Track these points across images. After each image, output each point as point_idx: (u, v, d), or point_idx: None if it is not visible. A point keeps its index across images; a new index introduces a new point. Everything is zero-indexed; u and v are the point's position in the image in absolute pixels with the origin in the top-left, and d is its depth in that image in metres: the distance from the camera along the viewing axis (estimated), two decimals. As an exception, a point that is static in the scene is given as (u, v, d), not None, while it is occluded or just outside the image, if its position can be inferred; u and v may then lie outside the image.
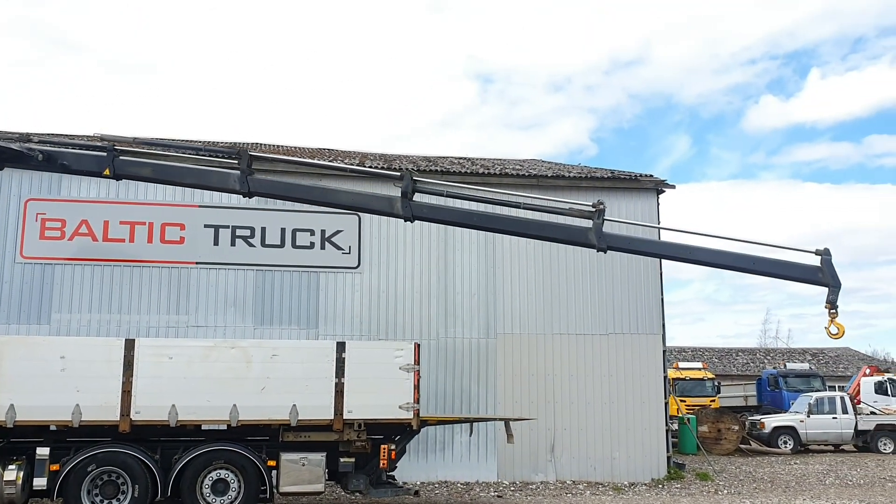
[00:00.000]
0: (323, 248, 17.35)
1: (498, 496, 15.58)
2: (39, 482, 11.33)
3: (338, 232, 17.43)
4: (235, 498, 11.87)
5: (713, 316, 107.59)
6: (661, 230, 16.50)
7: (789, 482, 18.43)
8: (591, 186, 18.42)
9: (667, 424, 18.19)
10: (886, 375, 34.02)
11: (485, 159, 22.80)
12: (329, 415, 12.20)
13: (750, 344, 69.03)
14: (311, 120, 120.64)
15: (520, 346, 17.75)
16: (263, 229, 17.15)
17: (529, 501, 15.03)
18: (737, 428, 26.09)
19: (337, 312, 17.18)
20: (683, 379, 34.03)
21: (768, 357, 53.46)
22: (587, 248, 13.10)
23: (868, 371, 34.89)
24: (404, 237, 17.65)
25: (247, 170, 12.31)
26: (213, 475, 11.87)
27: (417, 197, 12.46)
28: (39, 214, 16.45)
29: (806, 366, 39.65)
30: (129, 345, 11.82)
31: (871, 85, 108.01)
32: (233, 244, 17.02)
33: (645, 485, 17.27)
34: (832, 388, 36.23)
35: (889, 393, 32.03)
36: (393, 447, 12.67)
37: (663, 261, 18.58)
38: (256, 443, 12.38)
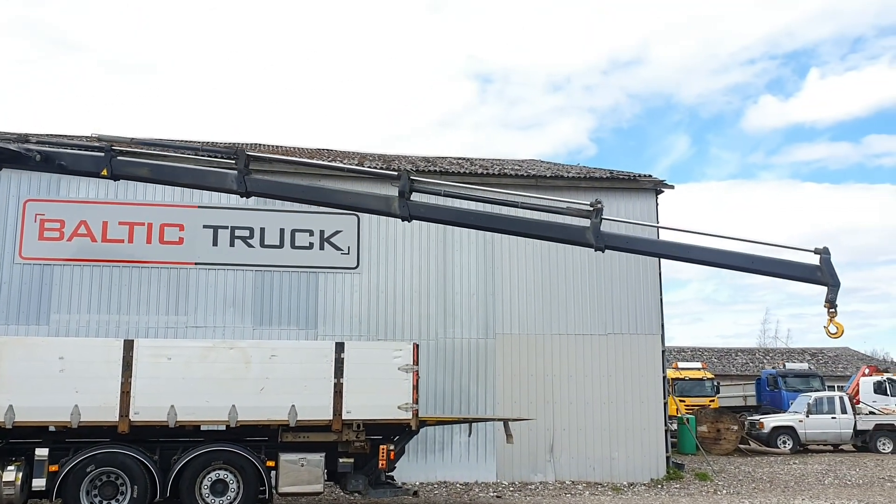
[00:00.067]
0: (322, 248, 17.35)
1: (497, 496, 15.58)
2: (38, 483, 11.33)
3: (337, 232, 17.43)
4: (234, 498, 11.87)
5: (712, 316, 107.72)
6: (659, 230, 16.51)
7: (788, 482, 18.44)
8: (590, 187, 18.43)
9: (666, 424, 18.19)
10: (885, 375, 34.04)
11: (483, 160, 22.81)
12: (328, 415, 12.20)
13: (749, 344, 69.12)
14: (310, 120, 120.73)
15: (519, 346, 17.76)
16: (262, 230, 17.16)
17: (528, 502, 15.03)
18: (736, 428, 26.11)
19: (336, 313, 17.19)
20: (683, 379, 34.04)
21: (767, 357, 53.48)
22: (586, 248, 13.08)
23: (867, 371, 34.91)
24: (403, 237, 17.65)
25: (244, 170, 12.30)
26: (212, 476, 11.87)
27: (415, 196, 12.46)
28: (38, 215, 16.45)
29: (805, 366, 39.67)
30: (128, 345, 11.82)
31: (870, 85, 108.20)
32: (232, 245, 17.02)
33: (644, 485, 17.28)
34: (831, 388, 36.27)
35: (888, 393, 32.05)
36: (392, 447, 12.67)
37: (662, 261, 18.59)
38: (255, 443, 12.39)
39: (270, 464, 12.11)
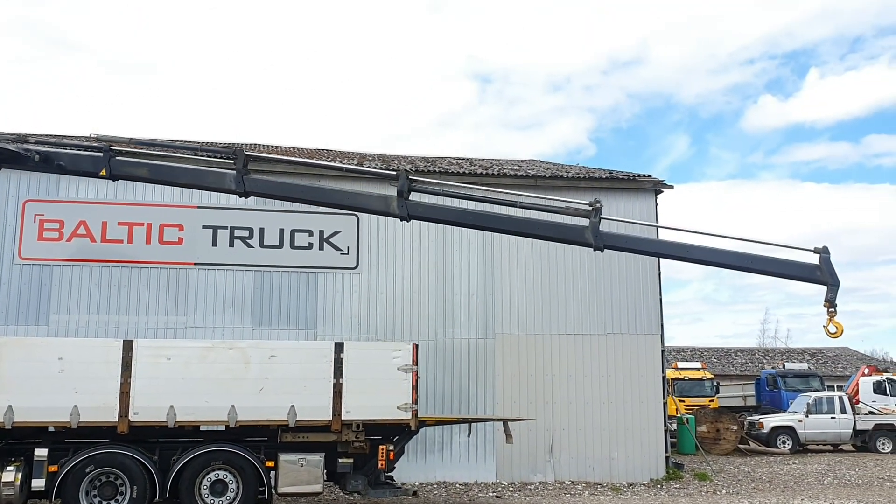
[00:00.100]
0: (321, 248, 17.35)
1: (496, 497, 15.58)
2: (38, 483, 11.33)
3: (336, 233, 17.43)
4: (234, 499, 11.87)
5: (712, 316, 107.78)
6: (659, 229, 16.50)
7: (788, 482, 18.44)
8: (590, 187, 18.43)
9: (665, 424, 18.19)
10: (885, 375, 34.04)
11: (483, 160, 22.82)
12: (327, 415, 12.19)
13: (749, 344, 69.14)
14: (310, 120, 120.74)
15: (518, 346, 17.76)
16: (262, 230, 17.16)
17: (528, 502, 15.03)
18: (735, 428, 26.11)
19: (335, 313, 17.19)
20: (682, 379, 34.05)
21: (767, 357, 53.51)
22: (585, 248, 13.07)
23: (867, 371, 34.91)
24: (403, 238, 17.65)
25: (243, 170, 12.29)
26: (212, 476, 11.87)
27: (414, 196, 12.44)
28: (38, 215, 16.45)
29: (804, 366, 39.68)
30: (128, 346, 11.81)
31: (870, 85, 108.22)
32: (231, 245, 17.02)
33: (643, 485, 17.28)
34: (831, 388, 36.28)
35: (887, 393, 32.06)
36: (391, 448, 12.67)
37: (662, 261, 18.60)
38: (255, 443, 12.39)
39: (270, 464, 12.11)
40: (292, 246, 17.24)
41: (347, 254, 17.43)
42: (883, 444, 26.89)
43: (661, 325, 18.54)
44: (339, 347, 12.48)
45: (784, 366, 38.57)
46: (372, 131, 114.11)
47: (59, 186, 16.53)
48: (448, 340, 17.52)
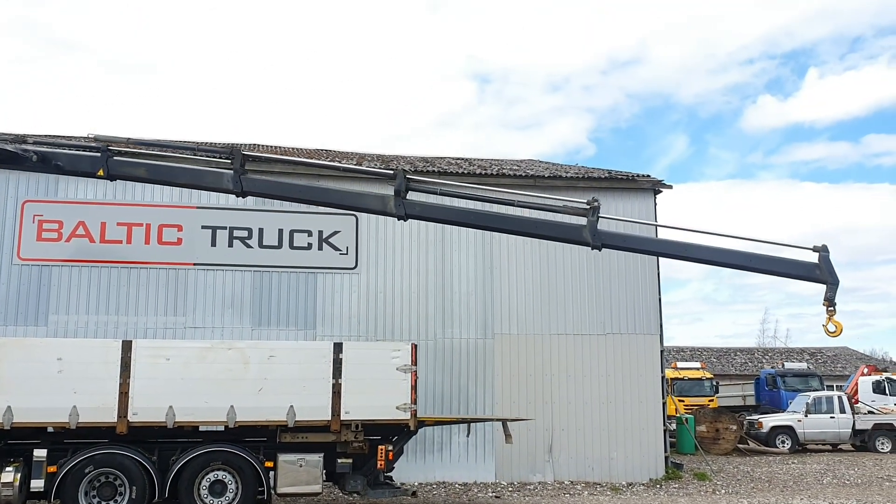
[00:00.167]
0: (320, 248, 17.35)
1: (496, 497, 15.58)
2: (37, 484, 11.33)
3: (335, 233, 17.43)
4: (233, 499, 11.88)
5: (711, 316, 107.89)
6: (657, 228, 16.50)
7: (787, 482, 18.45)
8: (588, 187, 18.42)
9: (664, 424, 18.19)
10: (884, 375, 34.03)
11: (482, 160, 22.82)
12: (326, 416, 12.20)
13: (748, 343, 69.19)
14: (310, 120, 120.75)
15: (517, 346, 17.76)
16: (261, 230, 17.16)
17: (527, 502, 15.03)
18: (735, 428, 26.11)
19: (334, 313, 17.18)
20: (682, 379, 34.05)
21: (766, 357, 53.53)
22: (584, 248, 13.06)
23: (866, 370, 34.90)
24: (402, 238, 17.65)
25: (240, 169, 12.29)
26: (211, 476, 11.87)
27: (411, 195, 12.44)
28: (36, 216, 16.44)
29: (804, 365, 39.69)
30: (127, 346, 11.82)
31: (869, 84, 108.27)
32: (230, 245, 17.02)
33: (643, 485, 17.28)
34: (830, 388, 36.29)
35: (887, 392, 32.05)
36: (390, 448, 12.67)
37: (661, 261, 18.61)
38: (254, 444, 12.39)
39: (269, 464, 12.11)
40: (291, 246, 17.24)
41: (346, 254, 17.43)
42: (882, 443, 26.90)
43: (661, 325, 18.54)
44: (338, 347, 12.49)
45: (783, 365, 38.57)
46: (371, 131, 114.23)
47: (58, 187, 16.53)
48: (447, 340, 17.52)
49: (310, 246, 17.31)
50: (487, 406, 17.38)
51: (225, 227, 17.04)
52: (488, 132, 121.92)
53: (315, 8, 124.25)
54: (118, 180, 12.86)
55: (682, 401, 31.64)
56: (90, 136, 12.50)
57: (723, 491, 16.78)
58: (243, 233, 17.08)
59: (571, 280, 18.21)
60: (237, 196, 12.64)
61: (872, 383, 32.84)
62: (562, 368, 17.78)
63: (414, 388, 12.54)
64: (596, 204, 12.24)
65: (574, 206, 12.41)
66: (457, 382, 17.42)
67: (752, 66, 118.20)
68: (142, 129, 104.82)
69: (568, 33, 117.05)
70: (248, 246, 17.06)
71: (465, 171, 18.74)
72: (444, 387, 17.28)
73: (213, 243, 16.94)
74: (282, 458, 12.14)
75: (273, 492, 12.21)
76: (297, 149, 22.10)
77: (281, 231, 17.23)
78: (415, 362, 12.68)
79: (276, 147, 22.32)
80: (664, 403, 18.32)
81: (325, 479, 12.53)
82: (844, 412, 27.40)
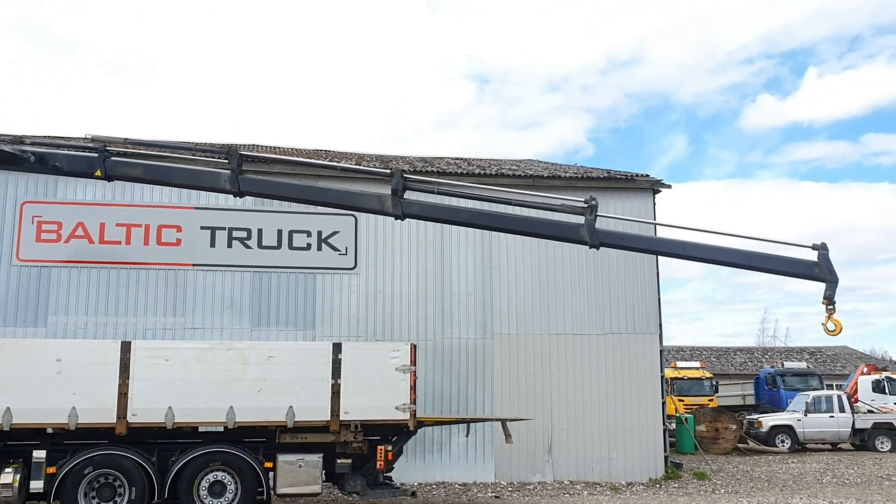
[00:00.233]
0: (319, 249, 17.34)
1: (495, 497, 15.57)
2: (36, 485, 11.33)
3: (334, 233, 17.42)
4: (232, 500, 11.87)
5: (711, 315, 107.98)
6: (656, 227, 16.49)
7: (786, 481, 18.44)
8: (587, 186, 18.41)
9: (664, 424, 18.19)
10: (884, 374, 34.03)
11: (481, 160, 22.81)
12: (325, 416, 12.19)
13: (748, 343, 69.20)
14: (310, 120, 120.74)
15: (517, 346, 17.75)
16: (260, 231, 17.15)
17: (527, 502, 15.02)
18: (734, 427, 26.10)
19: (334, 314, 17.18)
20: (681, 378, 34.03)
21: (766, 356, 53.51)
22: (583, 247, 13.06)
23: (866, 369, 34.90)
24: (401, 238, 17.65)
25: (237, 169, 12.29)
26: (210, 477, 11.87)
27: (408, 195, 12.44)
28: (35, 217, 16.44)
29: (804, 364, 39.69)
30: (126, 347, 11.82)
31: (868, 83, 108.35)
32: (229, 246, 17.01)
33: (642, 484, 17.28)
34: (830, 387, 36.29)
35: (886, 391, 32.06)
36: (390, 448, 12.67)
37: (660, 260, 18.61)
38: (253, 444, 12.39)
39: (268, 465, 12.11)
40: (290, 246, 17.23)
41: (346, 254, 17.42)
42: (882, 442, 26.89)
43: (660, 325, 18.54)
44: (337, 348, 12.48)
45: (783, 365, 38.57)
46: (371, 132, 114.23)
47: (57, 188, 16.53)
48: (446, 340, 17.51)
49: (309, 246, 17.31)
50: (487, 406, 17.38)
51: (224, 228, 17.03)
52: (487, 132, 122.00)
53: (314, 8, 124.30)
54: (116, 181, 12.86)
55: (682, 400, 31.64)
56: (87, 136, 12.51)
57: (722, 490, 16.77)
58: (242, 233, 17.08)
59: (571, 280, 18.21)
60: (234, 196, 12.65)
61: (872, 382, 32.85)
62: (561, 368, 17.77)
63: (413, 388, 12.54)
64: (593, 202, 12.23)
65: (572, 205, 12.41)
66: (456, 382, 17.42)
67: (751, 65, 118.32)
68: (141, 129, 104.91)
69: (567, 33, 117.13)
70: (248, 246, 17.06)
71: (465, 172, 18.73)
72: (443, 387, 17.28)
73: (213, 244, 16.94)
74: (281, 458, 12.13)
75: (272, 492, 12.21)
76: (295, 149, 22.10)
77: (280, 231, 17.22)
78: (414, 362, 12.68)
79: (274, 147, 22.31)
80: (664, 403, 18.31)
81: (324, 479, 12.52)
82: (844, 411, 27.39)
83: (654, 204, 18.91)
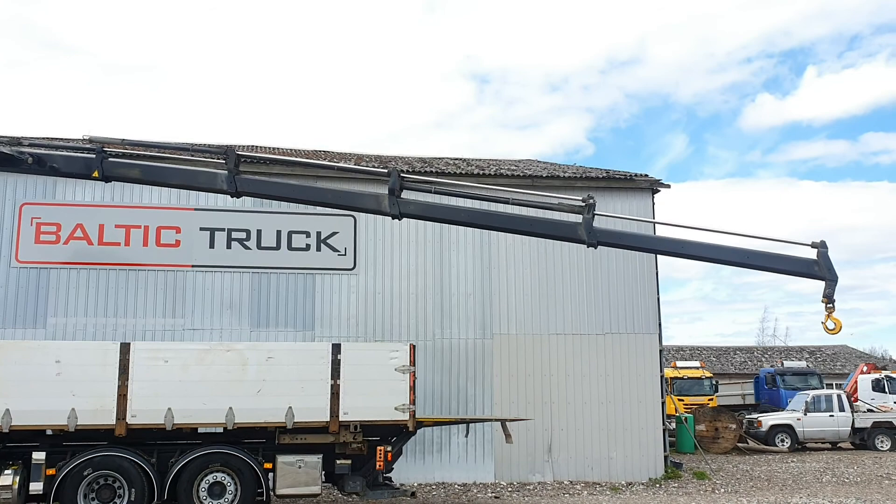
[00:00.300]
0: (319, 249, 17.34)
1: (495, 497, 15.57)
2: (36, 486, 11.34)
3: (333, 234, 17.42)
4: (232, 501, 11.88)
5: (711, 315, 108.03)
6: (655, 226, 16.49)
7: (786, 480, 18.44)
8: (586, 186, 18.39)
9: (664, 424, 18.18)
10: (884, 373, 34.02)
11: (480, 160, 22.80)
12: (325, 417, 12.19)
13: (748, 342, 69.21)
14: (308, 121, 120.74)
15: (516, 346, 17.74)
16: (259, 232, 17.15)
17: (527, 502, 15.02)
18: (734, 426, 26.10)
19: (333, 314, 17.17)
20: (681, 378, 34.01)
21: (766, 355, 53.49)
22: (582, 248, 13.08)
23: (866, 369, 34.91)
24: (400, 238, 17.64)
25: (234, 170, 12.30)
26: (210, 478, 11.88)
27: (406, 194, 12.44)
28: (34, 219, 16.43)
29: (803, 364, 39.67)
30: (125, 348, 11.83)
31: (867, 82, 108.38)
32: (228, 247, 17.00)
33: (642, 484, 17.28)
34: (829, 386, 36.26)
35: (886, 390, 32.05)
36: (389, 449, 12.68)
37: (660, 260, 18.62)
38: (253, 445, 12.39)
39: (268, 466, 12.12)
40: (289, 247, 17.23)
41: (345, 255, 17.42)
42: (881, 441, 26.90)
43: (659, 325, 18.53)
44: (336, 348, 12.49)
45: (783, 364, 38.54)
46: (370, 132, 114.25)
47: (56, 189, 16.53)
48: (445, 341, 17.51)
49: (308, 247, 17.31)
50: (486, 406, 17.37)
51: (223, 229, 17.02)
52: (487, 132, 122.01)
53: (313, 8, 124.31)
54: (114, 182, 12.86)
55: (682, 400, 31.61)
56: (85, 137, 12.51)
57: (722, 490, 16.77)
58: (241, 234, 17.08)
59: (570, 280, 18.20)
60: (231, 196, 12.67)
61: (872, 381, 32.85)
62: (561, 368, 17.77)
63: (412, 388, 12.54)
64: (591, 201, 12.23)
65: (570, 204, 12.41)
66: (455, 383, 17.41)
67: (750, 64, 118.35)
68: (141, 130, 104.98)
69: (566, 33, 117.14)
70: (247, 247, 17.06)
71: (463, 172, 18.73)
72: (442, 387, 17.27)
73: (212, 245, 16.93)
74: (281, 459, 12.14)
75: (272, 493, 12.21)
76: (294, 150, 22.08)
77: (279, 232, 17.22)
78: (413, 363, 12.68)
79: (273, 148, 22.29)
80: (663, 403, 18.31)
81: (324, 480, 12.53)
82: (844, 410, 27.40)
83: (654, 204, 18.91)
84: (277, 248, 17.16)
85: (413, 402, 12.53)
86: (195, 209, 16.93)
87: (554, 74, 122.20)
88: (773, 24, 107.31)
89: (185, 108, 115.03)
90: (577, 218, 12.36)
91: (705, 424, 25.81)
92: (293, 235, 17.26)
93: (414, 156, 23.55)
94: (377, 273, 17.51)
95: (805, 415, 27.26)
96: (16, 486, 11.15)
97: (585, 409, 17.72)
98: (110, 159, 12.45)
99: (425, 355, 16.89)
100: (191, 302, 16.72)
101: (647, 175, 19.12)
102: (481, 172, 18.86)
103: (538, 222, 12.84)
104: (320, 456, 12.30)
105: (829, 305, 12.17)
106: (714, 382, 35.15)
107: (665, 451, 18.07)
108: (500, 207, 12.90)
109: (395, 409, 12.43)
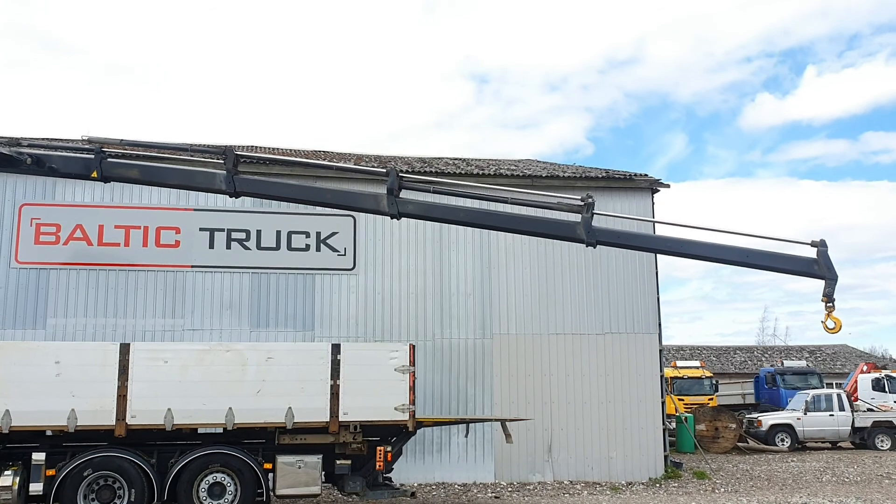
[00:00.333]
0: (318, 250, 17.34)
1: (495, 497, 15.56)
2: (35, 487, 11.34)
3: (333, 234, 17.41)
4: (232, 501, 11.89)
5: (711, 314, 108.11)
6: (654, 225, 16.47)
7: (786, 480, 18.44)
8: (586, 186, 18.38)
9: (664, 423, 18.18)
10: (884, 372, 34.01)
11: (479, 160, 22.79)
12: (325, 417, 12.19)
13: (748, 342, 69.28)
14: (308, 120, 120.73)
15: (516, 346, 17.74)
16: (259, 232, 17.14)
17: (527, 502, 15.02)
18: (734, 426, 26.10)
19: (332, 314, 17.17)
20: (681, 377, 34.00)
21: (766, 355, 53.50)
22: (582, 247, 13.04)
23: (865, 368, 34.90)
24: (399, 238, 17.64)
25: (233, 170, 12.28)
26: (210, 479, 11.88)
27: (404, 194, 12.42)
28: (34, 219, 16.43)
29: (803, 363, 39.66)
30: (124, 349, 11.82)
31: (867, 82, 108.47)
32: (228, 247, 17.00)
33: (642, 484, 17.27)
34: (829, 386, 36.25)
35: (886, 390, 32.04)
36: (389, 449, 12.68)
37: (660, 259, 18.62)
38: (252, 446, 12.39)
39: (268, 466, 12.12)
40: (289, 247, 17.22)
41: (344, 255, 17.41)
42: (881, 441, 26.89)
43: (659, 324, 18.53)
44: (336, 349, 12.49)
45: (783, 363, 38.54)
46: (369, 132, 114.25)
47: (56, 190, 16.52)
48: (445, 341, 17.51)
49: (308, 247, 17.30)
50: (486, 406, 17.37)
51: (223, 229, 17.02)
52: (486, 132, 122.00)
53: (312, 8, 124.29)
54: (114, 182, 12.85)
55: (682, 399, 31.61)
56: (84, 137, 12.49)
57: (722, 490, 16.77)
58: (241, 234, 17.07)
59: (570, 279, 18.20)
60: (230, 196, 12.65)
61: (872, 381, 32.84)
62: (560, 368, 17.76)
63: (412, 388, 12.54)
64: (590, 200, 12.20)
65: (569, 203, 12.39)
66: (455, 383, 17.41)
67: (749, 64, 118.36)
68: (140, 130, 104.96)
69: (565, 33, 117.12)
70: (246, 247, 17.05)
71: (463, 172, 18.72)
72: (442, 387, 17.27)
73: (211, 245, 16.93)
74: (280, 459, 12.14)
75: (272, 493, 12.21)
76: (293, 150, 22.08)
77: (279, 232, 17.22)
78: (413, 363, 12.68)
79: (272, 148, 22.29)
80: (663, 402, 18.31)
81: (323, 480, 12.53)
82: (844, 410, 27.39)
83: (653, 203, 18.91)
84: (277, 248, 17.16)
85: (413, 402, 12.53)
86: (195, 209, 16.93)
87: (553, 74, 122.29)
88: (772, 23, 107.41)
89: (185, 108, 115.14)
90: (577, 217, 12.34)
91: (705, 424, 25.81)
92: (293, 235, 17.26)
93: (413, 156, 23.55)
94: (377, 273, 17.50)
95: (805, 414, 27.25)
96: (16, 487, 11.15)
97: (585, 408, 17.72)
98: (109, 160, 12.43)
99: (425, 355, 16.88)
100: (190, 302, 16.72)
101: (646, 175, 19.11)
102: (481, 172, 18.85)
103: (537, 222, 12.82)
104: (320, 456, 12.30)
105: (828, 304, 12.14)
106: (714, 382, 35.14)
107: (665, 450, 18.06)
108: (500, 207, 12.88)
109: (395, 409, 12.43)
